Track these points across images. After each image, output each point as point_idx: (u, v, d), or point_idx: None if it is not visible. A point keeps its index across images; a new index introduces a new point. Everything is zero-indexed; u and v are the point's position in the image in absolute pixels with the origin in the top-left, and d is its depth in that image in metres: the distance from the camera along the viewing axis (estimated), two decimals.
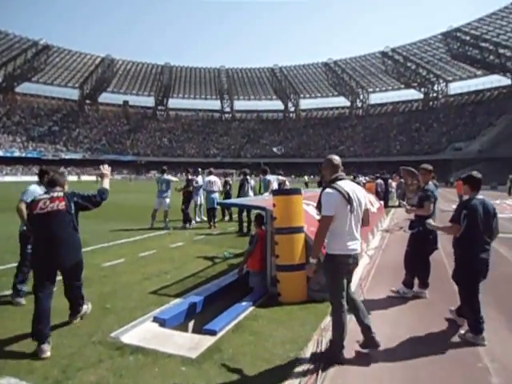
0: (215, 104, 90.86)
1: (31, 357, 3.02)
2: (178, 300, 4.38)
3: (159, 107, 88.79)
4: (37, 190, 4.26)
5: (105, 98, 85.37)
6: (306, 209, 5.02)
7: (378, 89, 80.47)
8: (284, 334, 3.46)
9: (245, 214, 9.84)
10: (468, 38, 59.59)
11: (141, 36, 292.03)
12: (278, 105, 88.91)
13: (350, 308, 3.13)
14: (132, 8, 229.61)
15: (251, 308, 4.15)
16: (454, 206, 3.76)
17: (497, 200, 21.26)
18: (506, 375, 2.83)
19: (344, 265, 2.97)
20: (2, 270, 5.49)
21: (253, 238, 5.02)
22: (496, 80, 64.24)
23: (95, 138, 74.93)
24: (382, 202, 13.50)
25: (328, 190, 2.96)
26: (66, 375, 2.77)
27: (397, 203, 15.46)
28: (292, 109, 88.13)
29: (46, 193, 3.54)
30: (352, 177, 17.98)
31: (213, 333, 3.48)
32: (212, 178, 10.88)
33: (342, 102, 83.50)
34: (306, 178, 30.77)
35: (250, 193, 10.34)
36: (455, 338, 3.49)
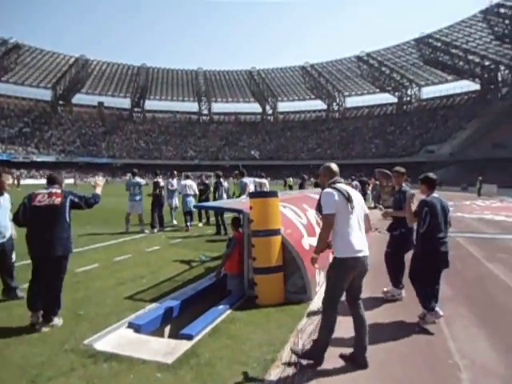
0: (193, 106, 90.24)
1: None
2: (153, 305, 4.31)
3: (135, 109, 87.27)
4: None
5: (79, 99, 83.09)
6: (283, 211, 5.05)
7: (353, 92, 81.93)
8: (261, 337, 3.47)
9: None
10: (439, 44, 61.60)
11: (117, 37, 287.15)
12: (255, 107, 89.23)
13: (356, 325, 3.07)
14: (108, 9, 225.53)
15: (228, 311, 4.13)
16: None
17: (467, 201, 22.04)
18: (475, 371, 2.93)
19: (351, 269, 2.92)
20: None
21: (230, 240, 5.00)
22: (466, 85, 66.66)
23: (69, 139, 72.84)
24: None
25: (327, 189, 3.02)
26: None
27: (372, 205, 15.77)
28: (270, 111, 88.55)
29: (45, 188, 3.93)
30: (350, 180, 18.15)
31: (189, 337, 3.44)
32: (188, 181, 10.99)
33: (318, 105, 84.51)
34: (290, 180, 26.89)
35: (224, 195, 10.50)
36: (428, 337, 3.59)
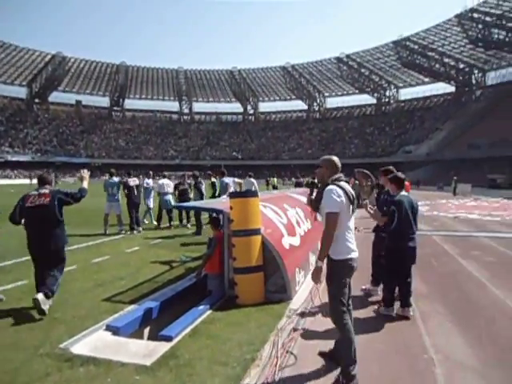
0: (173, 105, 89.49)
1: None
2: (132, 306, 4.26)
3: (115, 108, 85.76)
4: None
5: (56, 97, 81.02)
6: (264, 211, 5.07)
7: (334, 93, 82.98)
8: (241, 336, 3.47)
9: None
10: (416, 47, 63.07)
11: (95, 34, 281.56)
12: (237, 107, 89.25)
13: None
14: (85, 4, 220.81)
15: (208, 311, 4.11)
16: None
17: (443, 200, 22.64)
18: (449, 365, 3.02)
19: (350, 269, 2.87)
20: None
21: (211, 240, 4.97)
22: (442, 87, 68.72)
23: (45, 139, 70.87)
24: None
25: (333, 186, 2.83)
26: None
27: None
28: (251, 111, 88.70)
29: (36, 190, 4.30)
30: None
31: (168, 339, 3.41)
32: (165, 180, 11.25)
33: (299, 105, 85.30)
34: (274, 179, 25.61)
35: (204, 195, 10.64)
36: (403, 333, 3.67)
